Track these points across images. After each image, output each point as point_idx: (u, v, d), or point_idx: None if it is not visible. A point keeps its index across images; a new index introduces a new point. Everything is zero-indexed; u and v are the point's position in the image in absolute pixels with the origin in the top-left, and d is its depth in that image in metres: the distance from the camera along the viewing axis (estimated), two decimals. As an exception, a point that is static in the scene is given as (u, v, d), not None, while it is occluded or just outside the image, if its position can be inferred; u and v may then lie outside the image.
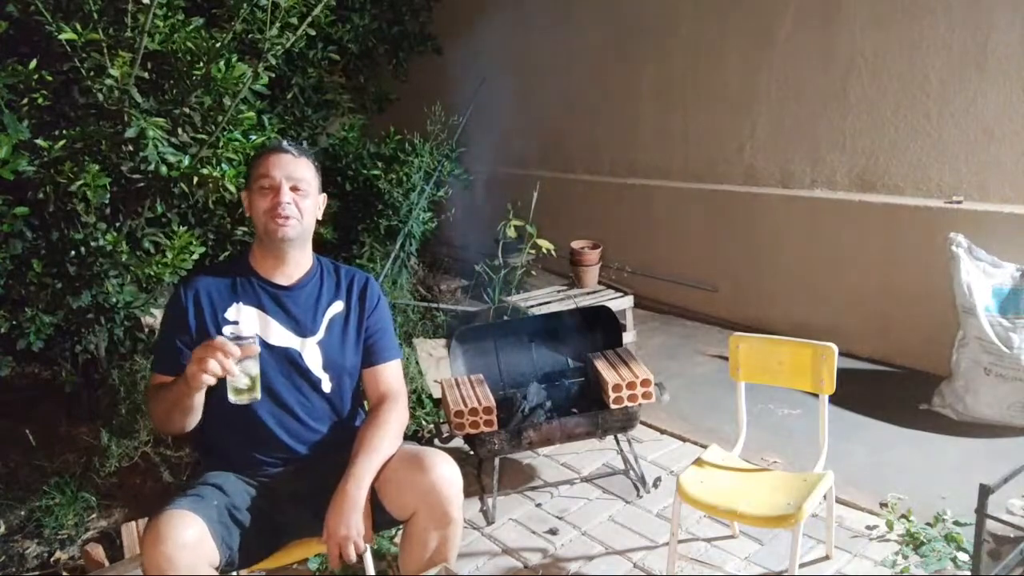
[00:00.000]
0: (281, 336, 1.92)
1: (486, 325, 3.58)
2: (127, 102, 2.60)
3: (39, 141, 2.51)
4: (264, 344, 1.89)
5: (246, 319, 1.90)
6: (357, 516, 1.74)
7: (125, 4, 2.58)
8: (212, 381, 1.65)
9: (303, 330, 1.94)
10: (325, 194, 2.03)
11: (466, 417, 2.73)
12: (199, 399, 1.74)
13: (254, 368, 1.70)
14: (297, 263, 1.97)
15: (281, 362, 1.91)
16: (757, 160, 4.49)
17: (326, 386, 1.96)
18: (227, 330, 1.80)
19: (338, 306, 2.00)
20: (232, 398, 1.69)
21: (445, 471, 1.80)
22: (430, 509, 1.79)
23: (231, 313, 1.91)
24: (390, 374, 2.03)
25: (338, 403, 1.99)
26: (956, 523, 2.55)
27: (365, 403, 2.08)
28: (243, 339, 1.68)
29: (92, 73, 2.59)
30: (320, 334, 1.96)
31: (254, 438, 1.90)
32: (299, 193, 1.90)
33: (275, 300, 1.95)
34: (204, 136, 2.81)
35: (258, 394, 1.71)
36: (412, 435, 3.35)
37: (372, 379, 2.02)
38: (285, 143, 1.95)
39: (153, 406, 1.88)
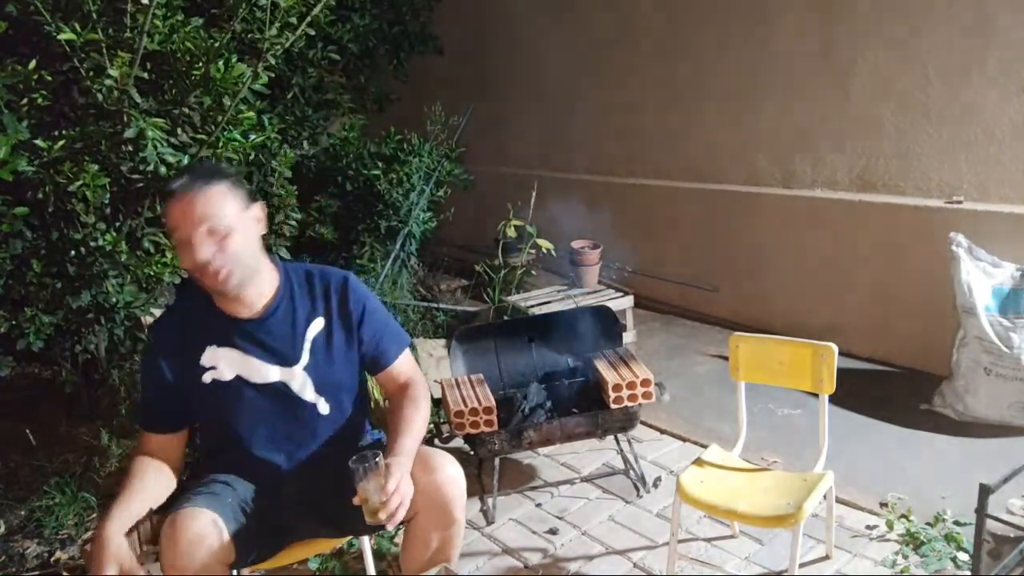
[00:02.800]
0: (265, 372, 1.82)
1: (486, 325, 3.59)
2: (126, 102, 2.60)
3: (38, 141, 2.51)
4: (248, 384, 1.82)
5: (224, 361, 1.81)
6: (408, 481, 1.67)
7: (124, 4, 2.58)
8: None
9: (286, 360, 1.83)
10: (260, 202, 1.81)
11: (466, 417, 2.73)
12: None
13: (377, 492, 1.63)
14: (258, 293, 1.81)
15: (271, 398, 1.83)
16: (757, 160, 4.48)
17: (323, 408, 1.88)
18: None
19: (318, 324, 1.86)
20: (368, 519, 1.65)
21: (451, 472, 1.79)
22: (434, 509, 1.77)
23: (207, 358, 1.81)
24: (404, 368, 1.96)
25: (339, 419, 1.92)
26: (956, 523, 2.55)
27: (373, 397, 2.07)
28: (368, 463, 1.63)
29: (91, 73, 2.59)
30: (305, 359, 1.84)
31: (255, 470, 1.87)
32: (217, 235, 1.67)
33: (248, 336, 1.81)
34: (203, 136, 2.82)
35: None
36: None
37: (387, 379, 1.95)
38: (180, 182, 1.68)
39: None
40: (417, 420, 1.83)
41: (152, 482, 1.77)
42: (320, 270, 1.92)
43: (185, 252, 1.68)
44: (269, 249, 1.91)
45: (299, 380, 1.85)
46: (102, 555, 1.57)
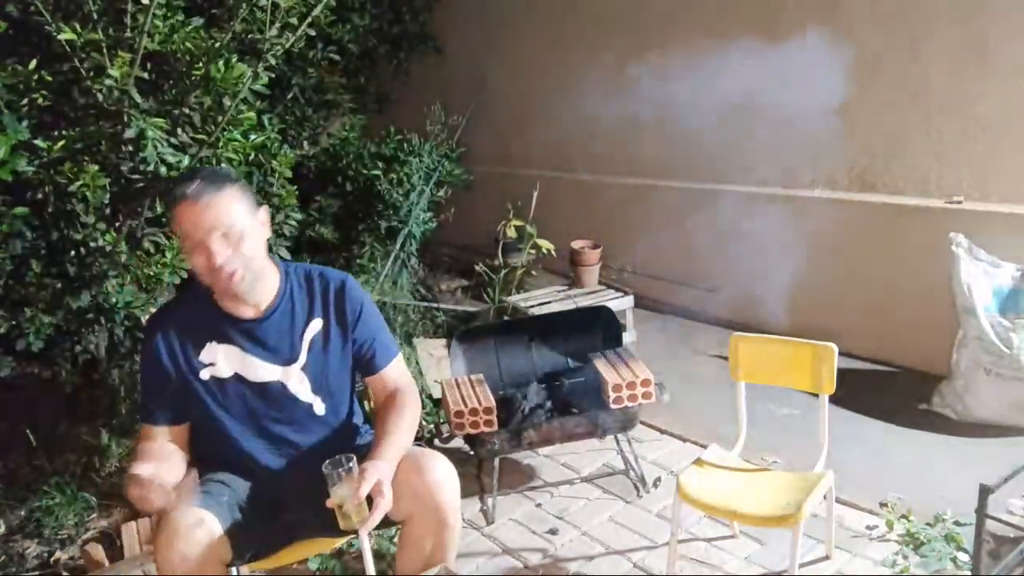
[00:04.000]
0: (262, 370, 1.84)
1: (486, 325, 3.59)
2: (127, 102, 2.60)
3: (38, 141, 2.51)
4: (245, 381, 1.83)
5: (223, 358, 1.83)
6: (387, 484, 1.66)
7: (125, 4, 2.58)
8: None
9: (283, 359, 1.85)
10: (264, 206, 1.85)
11: (466, 417, 2.73)
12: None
13: (351, 498, 1.61)
14: (261, 293, 1.82)
15: (267, 396, 1.85)
16: (757, 160, 4.48)
17: (319, 408, 1.90)
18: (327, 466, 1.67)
19: (316, 324, 1.88)
20: (342, 524, 1.65)
21: (442, 475, 1.77)
22: (427, 514, 1.76)
23: (206, 355, 1.83)
24: (394, 374, 1.95)
25: (334, 419, 1.94)
26: (956, 523, 2.54)
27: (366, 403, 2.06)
28: (342, 468, 1.61)
29: (92, 73, 2.59)
30: (302, 359, 1.86)
31: (251, 470, 1.88)
32: (231, 239, 1.70)
33: (248, 335, 1.84)
34: (204, 136, 2.81)
35: (366, 513, 1.64)
36: (412, 435, 3.34)
37: (377, 384, 1.95)
38: (191, 187, 1.67)
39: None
40: (399, 428, 1.81)
41: (160, 457, 1.75)
42: (320, 271, 1.94)
43: (198, 256, 1.70)
44: (270, 249, 1.93)
45: (296, 379, 1.86)
46: (146, 486, 1.58)
